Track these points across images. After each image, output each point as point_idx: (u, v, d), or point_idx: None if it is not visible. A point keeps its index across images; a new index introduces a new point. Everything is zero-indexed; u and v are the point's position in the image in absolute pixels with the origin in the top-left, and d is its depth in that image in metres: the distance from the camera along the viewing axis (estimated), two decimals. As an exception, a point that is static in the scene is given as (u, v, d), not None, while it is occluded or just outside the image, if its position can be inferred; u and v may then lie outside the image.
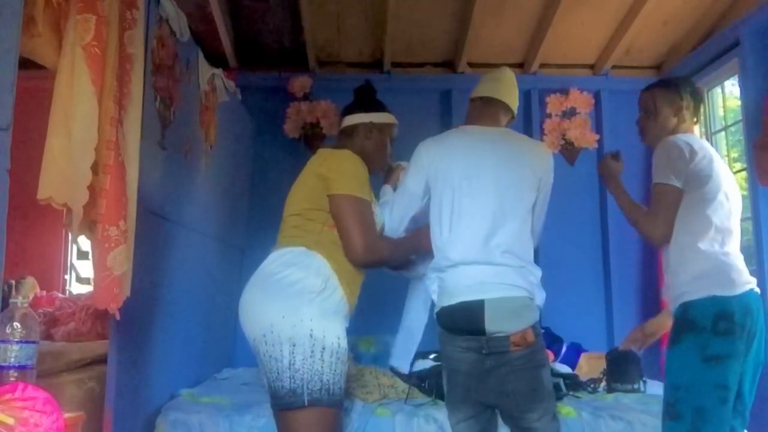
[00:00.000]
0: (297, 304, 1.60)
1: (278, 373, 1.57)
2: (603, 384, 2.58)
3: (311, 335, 1.57)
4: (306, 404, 1.55)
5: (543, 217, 1.87)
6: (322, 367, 1.57)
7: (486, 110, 1.90)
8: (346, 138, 1.94)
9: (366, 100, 1.98)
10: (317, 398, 1.56)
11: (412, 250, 1.93)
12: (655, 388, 2.62)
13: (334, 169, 1.74)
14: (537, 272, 1.76)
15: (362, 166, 1.78)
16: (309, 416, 1.57)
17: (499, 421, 1.83)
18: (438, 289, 1.78)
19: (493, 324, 1.65)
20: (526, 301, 1.70)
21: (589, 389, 2.53)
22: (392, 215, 1.89)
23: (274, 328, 1.58)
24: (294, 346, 1.56)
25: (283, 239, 1.77)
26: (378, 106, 1.98)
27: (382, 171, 2.04)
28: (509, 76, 1.98)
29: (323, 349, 1.58)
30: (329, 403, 1.59)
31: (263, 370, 1.64)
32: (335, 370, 1.59)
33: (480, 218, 1.74)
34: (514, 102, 1.95)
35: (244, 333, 1.72)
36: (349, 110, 1.97)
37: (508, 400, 1.69)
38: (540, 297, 1.74)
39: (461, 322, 1.72)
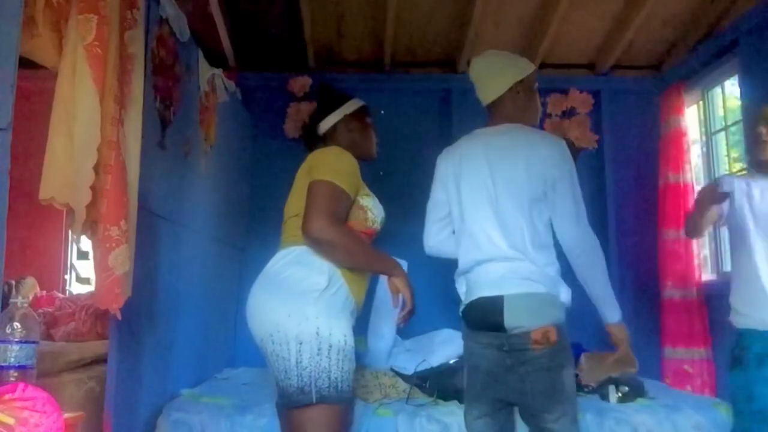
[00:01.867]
0: (302, 303, 1.60)
1: (286, 371, 1.57)
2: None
3: (317, 333, 1.57)
4: (315, 402, 1.55)
5: (569, 207, 1.73)
6: (329, 364, 1.57)
7: (490, 113, 1.90)
8: (331, 140, 1.94)
9: (330, 99, 1.98)
10: (325, 395, 1.56)
11: (371, 263, 1.77)
12: (656, 388, 2.62)
13: (317, 162, 1.74)
14: (555, 267, 1.74)
15: (348, 159, 1.76)
16: (318, 414, 1.57)
17: (518, 421, 1.80)
18: (464, 289, 1.81)
19: (511, 319, 1.64)
20: (548, 297, 1.68)
21: (589, 390, 2.52)
22: (426, 224, 1.95)
23: (281, 327, 1.58)
24: (301, 344, 1.56)
25: (285, 240, 1.77)
26: (343, 99, 1.98)
27: (375, 154, 2.00)
28: (478, 68, 1.90)
29: (330, 346, 1.58)
30: (338, 400, 1.58)
31: (271, 369, 1.63)
32: (342, 368, 1.59)
33: (484, 218, 1.75)
34: (502, 84, 1.83)
35: (249, 333, 1.72)
36: (318, 117, 1.97)
37: (526, 398, 1.68)
38: (565, 294, 1.71)
39: (481, 317, 1.72)
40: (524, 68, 1.88)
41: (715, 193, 2.03)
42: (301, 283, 1.63)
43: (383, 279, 1.82)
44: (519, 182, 1.73)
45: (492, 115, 1.88)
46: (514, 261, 1.69)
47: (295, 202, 1.78)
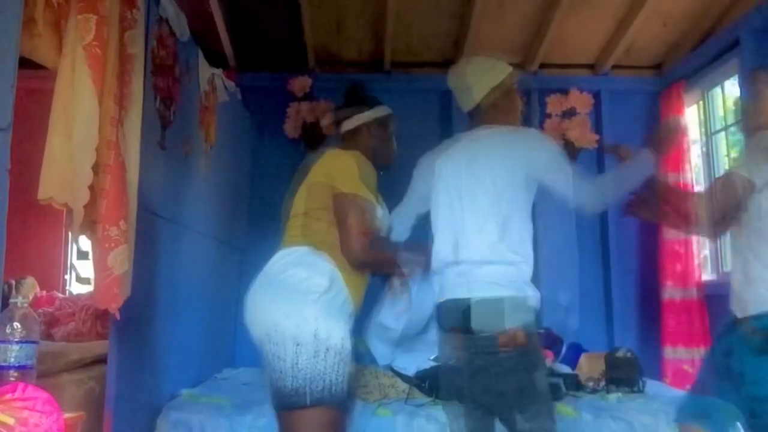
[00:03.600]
0: (302, 304, 1.60)
1: (282, 372, 1.57)
2: (603, 384, 2.57)
3: (315, 335, 1.57)
4: (309, 404, 1.55)
5: (564, 183, 1.74)
6: (325, 367, 1.56)
7: (471, 119, 1.91)
8: (350, 139, 1.93)
9: (361, 99, 1.99)
10: (320, 398, 1.56)
11: (395, 266, 1.82)
12: (655, 388, 2.63)
13: (340, 169, 1.75)
14: (527, 269, 1.73)
15: (369, 167, 1.79)
16: (311, 416, 1.56)
17: (496, 421, 1.80)
18: (438, 290, 1.81)
19: (478, 323, 1.65)
20: (515, 301, 1.68)
21: (588, 390, 2.53)
22: (398, 211, 1.96)
23: (279, 327, 1.58)
24: (298, 345, 1.56)
25: (288, 239, 1.77)
26: (373, 101, 1.99)
27: (392, 162, 2.02)
28: (455, 78, 1.93)
29: (327, 349, 1.57)
30: (332, 403, 1.58)
31: (267, 369, 1.63)
32: (338, 371, 1.59)
33: (457, 220, 1.77)
34: (479, 92, 1.84)
35: (248, 333, 1.72)
36: (346, 112, 1.97)
37: (497, 400, 1.68)
38: (533, 297, 1.71)
39: (450, 319, 1.74)
40: (500, 72, 1.88)
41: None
42: (301, 284, 1.63)
43: None
44: (496, 184, 1.73)
45: (472, 119, 1.90)
46: (481, 264, 1.70)
47: (303, 200, 1.77)
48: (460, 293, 1.70)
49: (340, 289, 1.67)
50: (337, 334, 1.61)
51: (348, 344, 1.64)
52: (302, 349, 1.56)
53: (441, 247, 1.80)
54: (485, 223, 1.72)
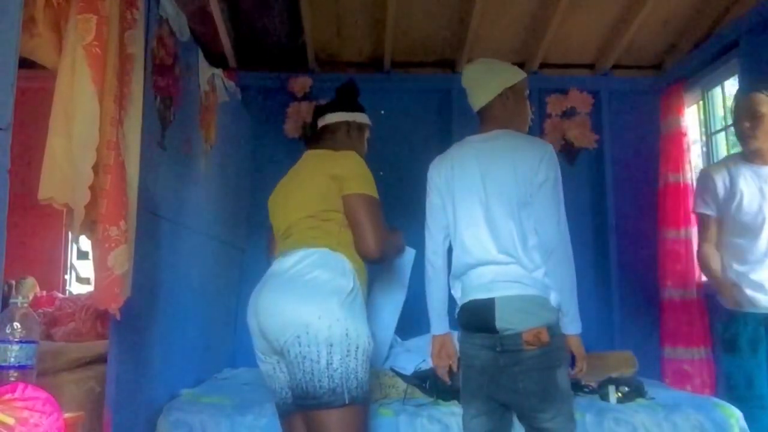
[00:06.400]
0: (331, 305, 1.61)
1: (313, 374, 1.57)
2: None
3: (347, 335, 1.59)
4: (347, 402, 1.57)
5: (552, 210, 1.74)
6: (356, 365, 1.59)
7: (481, 119, 1.93)
8: (327, 135, 1.98)
9: (350, 100, 2.04)
10: (355, 396, 1.58)
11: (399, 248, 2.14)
12: (656, 389, 2.62)
13: (348, 170, 1.77)
14: (545, 270, 1.74)
15: (367, 168, 1.82)
16: (347, 414, 1.58)
17: (514, 420, 1.83)
18: (459, 292, 1.85)
19: (503, 321, 1.68)
20: (538, 299, 1.71)
21: (588, 390, 2.52)
22: (429, 232, 1.93)
23: (311, 329, 1.58)
24: (331, 346, 1.57)
25: (301, 240, 1.77)
26: (360, 107, 2.05)
27: None
28: (470, 74, 1.94)
29: (357, 348, 1.60)
30: (363, 400, 1.62)
31: (294, 371, 1.61)
32: (366, 368, 1.63)
33: (476, 223, 1.79)
34: (492, 90, 1.86)
35: (248, 333, 1.72)
36: (331, 108, 2.02)
37: (519, 398, 1.70)
38: (554, 297, 1.73)
39: (474, 319, 1.77)
40: (514, 75, 1.91)
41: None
42: (327, 285, 1.65)
43: (380, 272, 1.89)
44: (508, 187, 1.76)
45: (482, 120, 1.91)
46: (505, 265, 1.73)
47: (310, 202, 1.78)
48: (484, 294, 1.73)
49: (360, 289, 1.72)
50: (364, 333, 1.64)
51: (372, 341, 1.67)
52: (335, 349, 1.57)
53: (463, 250, 1.82)
54: (507, 226, 1.74)
